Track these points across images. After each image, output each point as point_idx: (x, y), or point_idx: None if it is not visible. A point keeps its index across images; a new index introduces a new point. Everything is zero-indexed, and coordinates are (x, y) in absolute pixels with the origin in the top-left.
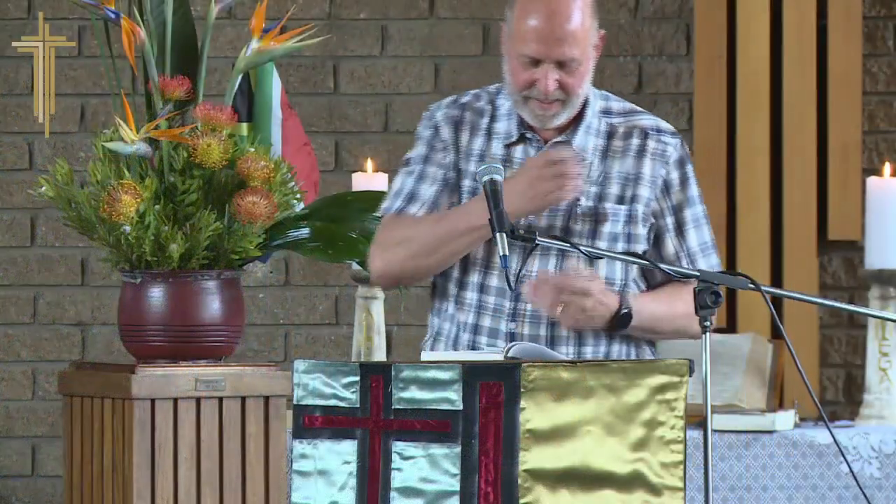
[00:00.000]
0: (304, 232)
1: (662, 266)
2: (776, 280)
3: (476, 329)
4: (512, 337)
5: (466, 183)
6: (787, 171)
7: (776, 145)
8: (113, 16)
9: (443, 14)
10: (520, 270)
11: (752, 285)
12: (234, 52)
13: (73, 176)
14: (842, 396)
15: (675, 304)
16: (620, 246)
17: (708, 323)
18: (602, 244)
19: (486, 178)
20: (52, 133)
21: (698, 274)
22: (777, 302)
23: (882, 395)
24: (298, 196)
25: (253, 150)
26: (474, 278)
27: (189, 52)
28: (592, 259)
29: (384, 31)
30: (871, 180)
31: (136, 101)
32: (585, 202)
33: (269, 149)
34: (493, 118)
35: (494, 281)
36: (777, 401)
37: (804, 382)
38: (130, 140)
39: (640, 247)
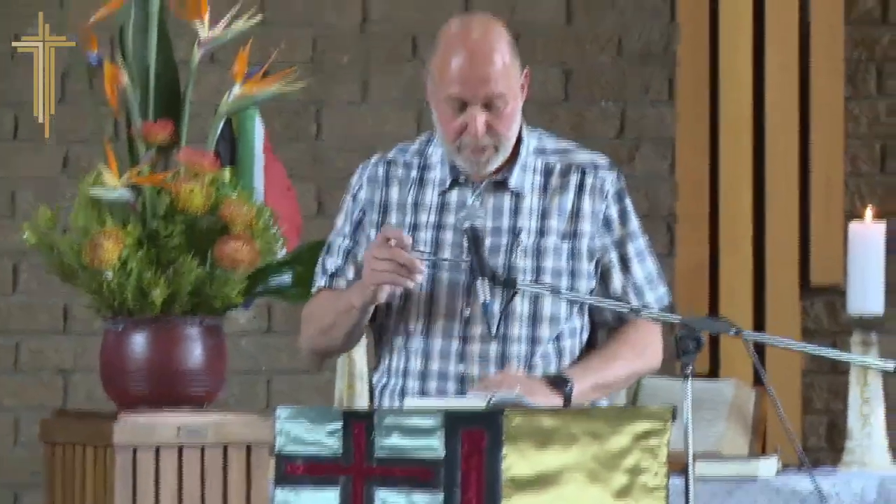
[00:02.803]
0: (287, 278)
1: (644, 312)
2: (758, 325)
3: (425, 374)
4: (462, 379)
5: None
6: (770, 215)
7: (758, 189)
8: (95, 61)
9: (426, 58)
10: (501, 314)
11: (733, 331)
12: (218, 96)
13: (56, 222)
14: (824, 442)
15: (614, 368)
16: (564, 281)
17: (689, 369)
18: (546, 280)
19: (466, 224)
20: (35, 178)
21: (679, 320)
22: (760, 346)
23: (864, 441)
24: (281, 242)
25: (235, 195)
26: (418, 326)
27: (172, 96)
28: (570, 302)
29: (367, 76)
30: (854, 225)
31: (118, 146)
32: (527, 238)
33: (252, 194)
34: (424, 168)
35: (439, 325)
36: (760, 447)
37: (786, 430)
38: (113, 186)
39: (584, 282)
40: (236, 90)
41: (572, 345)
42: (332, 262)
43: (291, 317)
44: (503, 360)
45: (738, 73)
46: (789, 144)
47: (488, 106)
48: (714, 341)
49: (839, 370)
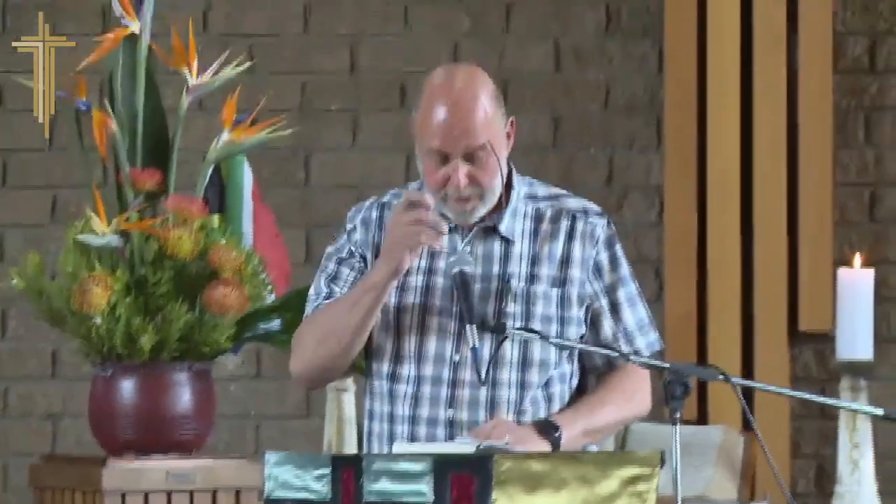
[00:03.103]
0: (276, 324)
1: (633, 358)
2: (747, 371)
3: (414, 420)
4: (451, 424)
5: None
6: (759, 262)
7: (747, 237)
8: (84, 107)
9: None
10: (490, 362)
11: (722, 377)
12: (206, 143)
13: (44, 268)
14: (813, 487)
15: (603, 414)
16: (554, 328)
17: (677, 414)
18: (535, 326)
19: (455, 269)
20: (22, 225)
21: (668, 366)
22: (748, 393)
23: (853, 486)
24: (270, 288)
25: (224, 241)
26: (408, 371)
27: (160, 143)
28: (559, 348)
29: (356, 122)
30: (842, 271)
31: (107, 192)
32: (518, 284)
33: (241, 240)
34: None
35: (429, 370)
36: (749, 492)
37: (774, 474)
38: (101, 232)
39: (574, 329)
40: (225, 137)
41: (562, 390)
42: (340, 290)
43: (280, 362)
44: (493, 406)
45: (726, 121)
46: (778, 192)
47: (470, 157)
48: (702, 387)
49: (828, 415)
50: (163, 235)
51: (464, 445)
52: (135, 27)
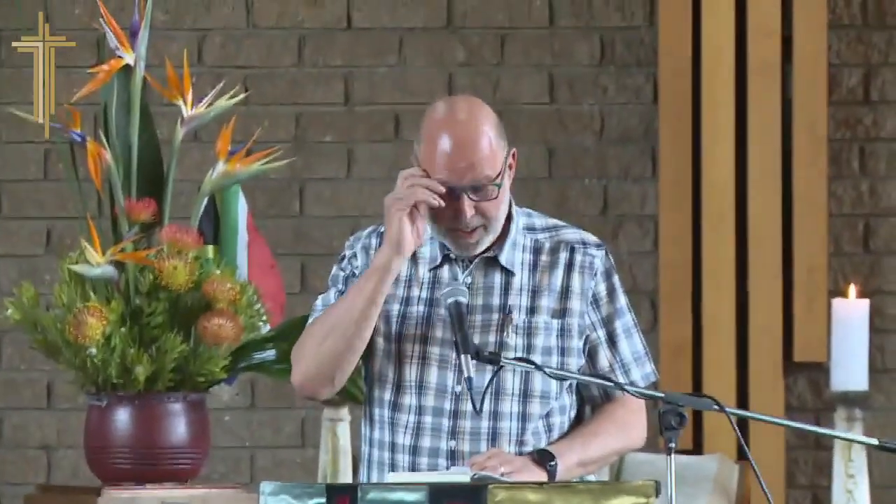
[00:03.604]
0: (271, 354)
1: (629, 388)
2: (742, 401)
3: (415, 450)
4: (453, 455)
5: (387, 308)
6: (753, 292)
7: (742, 266)
8: (79, 138)
9: (408, 137)
10: (485, 392)
11: (716, 407)
12: (201, 174)
13: (39, 299)
14: None
15: (599, 444)
16: (554, 359)
17: (672, 444)
18: (536, 358)
19: (450, 300)
20: (17, 256)
21: (663, 396)
22: (743, 423)
23: None
24: (264, 318)
25: (219, 272)
26: (409, 401)
27: (155, 174)
28: (554, 378)
29: (350, 154)
30: (837, 302)
31: (101, 223)
32: (518, 316)
33: (235, 271)
34: None
35: (430, 401)
36: None
37: None
38: (96, 263)
39: (574, 360)
40: (219, 168)
41: (562, 421)
42: None
43: (275, 393)
44: (494, 437)
45: (721, 151)
46: (772, 222)
47: (475, 189)
48: (697, 417)
49: (823, 446)
50: (158, 266)
51: (458, 475)
52: (129, 59)
